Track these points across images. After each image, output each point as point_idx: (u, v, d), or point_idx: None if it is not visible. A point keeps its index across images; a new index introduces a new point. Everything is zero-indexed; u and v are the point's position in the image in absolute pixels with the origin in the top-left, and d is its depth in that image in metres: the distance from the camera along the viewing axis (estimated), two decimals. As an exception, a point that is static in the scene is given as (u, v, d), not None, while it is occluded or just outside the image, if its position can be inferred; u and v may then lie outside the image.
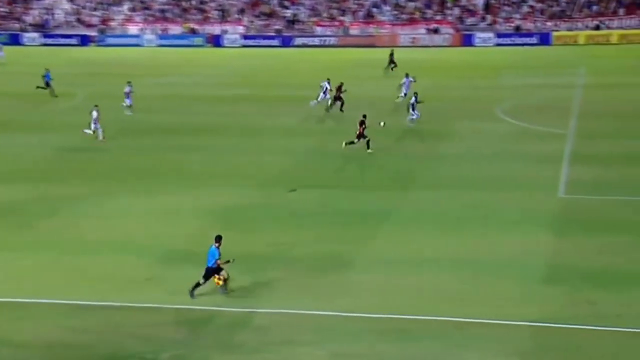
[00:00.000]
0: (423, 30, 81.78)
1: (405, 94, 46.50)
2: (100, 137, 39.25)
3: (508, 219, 27.33)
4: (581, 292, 21.47)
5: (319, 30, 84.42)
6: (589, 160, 34.28)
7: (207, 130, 42.24)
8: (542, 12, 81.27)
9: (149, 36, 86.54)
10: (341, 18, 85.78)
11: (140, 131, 41.84)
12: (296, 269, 23.57)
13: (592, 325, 19.62)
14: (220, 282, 21.60)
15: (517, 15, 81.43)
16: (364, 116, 36.71)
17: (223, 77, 62.28)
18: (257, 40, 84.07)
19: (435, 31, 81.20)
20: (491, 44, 77.63)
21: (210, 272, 21.49)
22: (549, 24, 79.47)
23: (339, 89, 45.94)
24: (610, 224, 26.63)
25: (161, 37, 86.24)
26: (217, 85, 57.73)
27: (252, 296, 21.82)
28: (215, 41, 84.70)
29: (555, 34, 77.46)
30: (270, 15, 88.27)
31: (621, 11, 78.59)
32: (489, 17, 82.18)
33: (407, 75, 47.50)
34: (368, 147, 35.94)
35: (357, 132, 36.20)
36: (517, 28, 79.96)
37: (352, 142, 36.23)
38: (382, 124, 36.66)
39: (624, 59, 64.80)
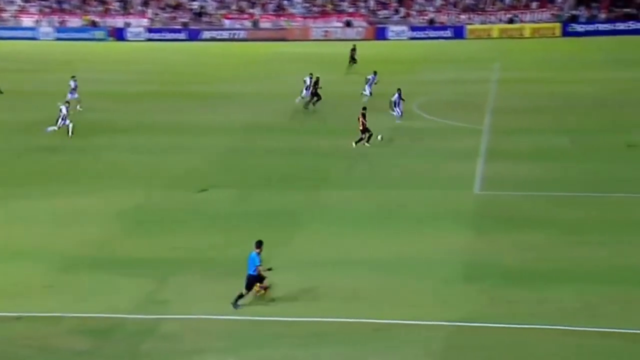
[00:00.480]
0: (336, 24, 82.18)
1: (370, 92, 46.38)
2: (70, 134, 38.84)
3: (425, 217, 27.65)
4: (499, 290, 21.86)
5: (227, 23, 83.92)
6: (505, 156, 34.98)
7: (112, 129, 41.48)
8: (455, 5, 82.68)
9: (45, 29, 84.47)
10: (251, 11, 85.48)
11: (41, 131, 40.74)
12: (207, 273, 23.31)
13: (510, 324, 20.00)
14: (262, 291, 21.09)
15: (431, 9, 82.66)
16: (364, 109, 37.12)
17: (128, 72, 61.27)
18: (162, 34, 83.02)
19: (348, 24, 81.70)
20: (405, 38, 78.57)
21: (252, 280, 20.89)
22: (462, 17, 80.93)
23: (315, 84, 45.72)
24: (526, 220, 27.21)
25: (59, 30, 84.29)
26: (122, 81, 56.73)
27: (160, 302, 21.47)
28: (118, 34, 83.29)
29: (469, 27, 78.94)
30: (176, 7, 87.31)
31: (534, 4, 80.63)
32: (403, 10, 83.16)
33: (375, 73, 47.33)
34: (368, 141, 36.42)
35: (361, 127, 36.44)
36: (431, 21, 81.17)
37: (361, 139, 36.44)
38: (380, 137, 36.95)
39: (537, 52, 66.47)
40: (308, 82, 45.90)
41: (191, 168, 34.34)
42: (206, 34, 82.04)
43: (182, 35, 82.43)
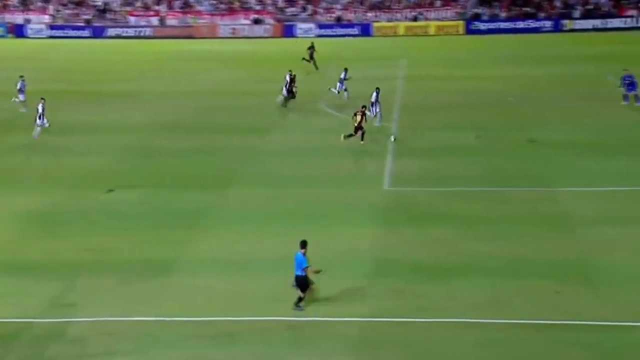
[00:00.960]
0: (243, 21, 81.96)
1: (339, 90, 46.03)
2: (35, 135, 37.91)
3: (334, 215, 27.87)
4: (409, 285, 22.23)
5: (132, 20, 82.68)
6: (413, 152, 35.53)
7: (13, 129, 40.41)
8: (362, 2, 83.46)
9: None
10: (156, 8, 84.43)
11: None
12: (115, 275, 23.01)
13: (420, 318, 20.38)
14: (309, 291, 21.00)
15: (338, 6, 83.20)
16: (364, 107, 37.09)
17: (30, 71, 59.67)
18: (65, 31, 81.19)
19: (256, 22, 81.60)
20: (313, 35, 78.85)
21: (303, 281, 20.72)
22: (369, 14, 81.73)
23: (292, 80, 45.24)
24: (434, 215, 27.73)
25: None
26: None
27: (69, 305, 21.10)
28: (18, 31, 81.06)
29: (375, 25, 79.76)
30: (79, 3, 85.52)
31: (438, 3, 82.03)
32: (310, 8, 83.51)
33: (345, 70, 47.09)
34: (362, 139, 36.31)
35: (356, 124, 36.37)
36: (338, 19, 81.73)
37: (351, 135, 36.27)
38: (392, 138, 36.91)
39: (442, 50, 67.69)
40: (288, 80, 45.49)
41: (97, 168, 33.77)
42: (111, 32, 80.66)
43: (85, 33, 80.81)
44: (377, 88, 40.33)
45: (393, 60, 61.12)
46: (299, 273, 20.77)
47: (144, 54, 68.60)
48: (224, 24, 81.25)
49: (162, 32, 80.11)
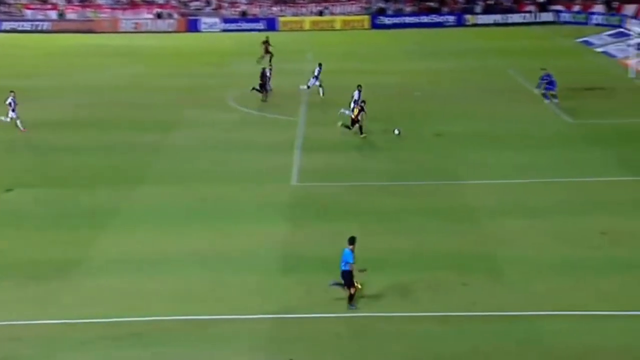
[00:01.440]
0: (146, 15, 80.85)
1: (309, 86, 45.56)
2: (21, 128, 37.14)
3: (243, 211, 27.87)
4: (317, 281, 22.41)
5: (29, 13, 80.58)
6: (320, 147, 35.75)
7: None
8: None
9: None
10: (54, 1, 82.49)
11: None
12: (15, 277, 22.50)
13: (329, 314, 20.59)
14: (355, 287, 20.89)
15: (243, 1, 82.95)
16: (364, 102, 37.41)
17: None
18: (-43, 25, 78.56)
19: (159, 16, 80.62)
20: (217, 30, 78.43)
21: (349, 276, 20.64)
22: (275, 9, 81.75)
23: (263, 76, 44.54)
24: (342, 210, 28.00)
25: None
26: None
27: (-33, 311, 20.52)
28: None
29: (281, 19, 79.85)
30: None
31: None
32: (215, 2, 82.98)
33: (319, 65, 46.37)
34: (361, 132, 36.80)
35: (354, 117, 36.89)
36: (244, 13, 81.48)
37: (348, 127, 37.00)
38: (396, 131, 36.82)
39: (348, 44, 68.28)
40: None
41: (-4, 167, 32.89)
42: (5, 25, 78.40)
43: (-22, 26, 78.35)
44: (359, 86, 39.75)
45: (299, 55, 61.31)
46: (345, 268, 20.80)
47: (41, 49, 66.98)
48: (126, 18, 80.00)
49: (61, 27, 78.33)
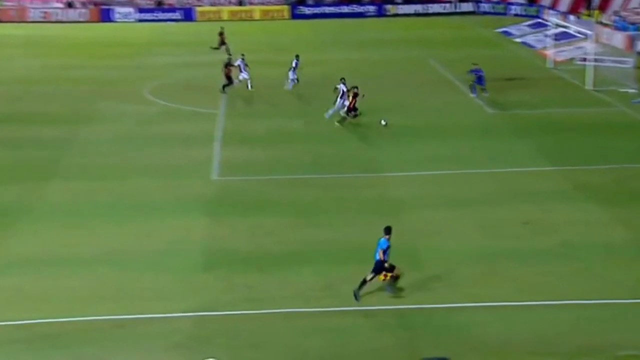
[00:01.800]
0: (56, 4, 79.21)
1: (296, 79, 45.03)
2: None
3: (161, 207, 27.64)
4: (238, 276, 22.41)
5: None
6: (241, 141, 35.68)
7: None
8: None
9: None
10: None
11: None
12: None
13: (251, 310, 20.61)
14: (387, 278, 21.10)
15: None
16: (357, 87, 37.41)
17: None
18: None
19: (70, 5, 79.09)
20: (132, 20, 77.37)
21: (381, 264, 20.91)
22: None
23: (227, 66, 43.88)
24: (263, 204, 28.03)
25: None
26: None
27: None
28: None
29: (199, 9, 79.21)
30: None
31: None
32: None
33: (297, 57, 45.88)
34: (354, 117, 37.47)
35: (350, 105, 37.25)
36: (159, 3, 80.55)
37: (350, 116, 37.30)
38: (383, 122, 36.73)
39: (268, 35, 68.20)
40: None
41: None
42: None
43: None
44: (342, 78, 39.31)
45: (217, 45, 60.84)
46: (379, 258, 21.05)
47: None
48: (34, 7, 78.27)
49: (-35, 16, 76.21)
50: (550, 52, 52.75)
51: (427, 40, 62.94)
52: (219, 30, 58.11)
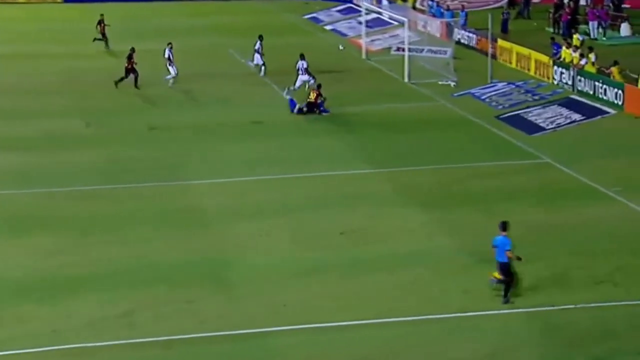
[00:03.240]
0: None
1: (258, 63, 45.10)
2: None
3: None
4: (11, 310, 21.49)
5: None
6: (8, 146, 34.58)
7: None
8: None
9: None
10: None
11: None
12: None
13: (27, 348, 19.72)
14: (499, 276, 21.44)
15: None
16: (319, 86, 39.17)
17: None
18: None
19: None
20: None
21: (507, 267, 21.13)
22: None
23: (129, 57, 42.35)
24: (41, 221, 27.12)
25: None
26: None
27: None
28: None
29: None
30: None
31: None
32: None
33: (260, 38, 45.63)
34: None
35: (310, 101, 38.90)
36: None
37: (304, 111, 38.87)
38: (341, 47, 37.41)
39: (34, 22, 66.29)
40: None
41: None
42: None
43: None
44: (302, 55, 42.33)
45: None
46: (502, 259, 21.14)
47: None
48: None
49: None
50: (362, 42, 54.06)
51: (226, 28, 63.07)
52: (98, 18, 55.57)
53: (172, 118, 38.87)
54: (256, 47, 46.62)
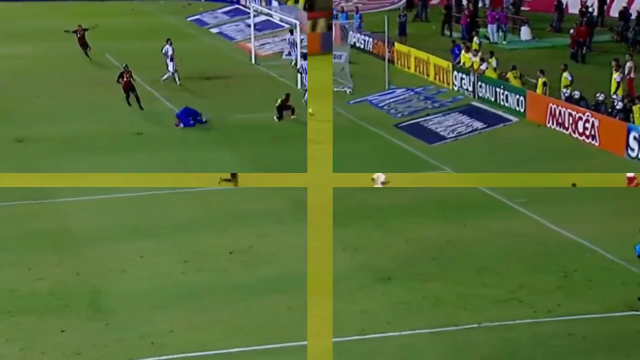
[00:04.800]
0: None
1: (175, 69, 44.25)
2: None
3: None
4: None
5: None
6: None
7: None
8: None
9: None
10: None
11: None
12: None
13: None
14: None
15: None
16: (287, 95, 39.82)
17: None
18: None
19: None
20: None
21: None
22: None
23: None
24: None
25: None
26: None
27: None
28: None
29: None
30: None
31: None
32: None
33: (169, 43, 44.67)
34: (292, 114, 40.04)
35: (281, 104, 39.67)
36: None
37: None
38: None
39: None
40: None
41: None
42: None
43: None
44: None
45: None
46: None
47: None
48: None
49: None
50: (251, 45, 53.97)
51: (103, 30, 62.17)
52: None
53: (40, 129, 38.16)
54: (168, 52, 45.71)
